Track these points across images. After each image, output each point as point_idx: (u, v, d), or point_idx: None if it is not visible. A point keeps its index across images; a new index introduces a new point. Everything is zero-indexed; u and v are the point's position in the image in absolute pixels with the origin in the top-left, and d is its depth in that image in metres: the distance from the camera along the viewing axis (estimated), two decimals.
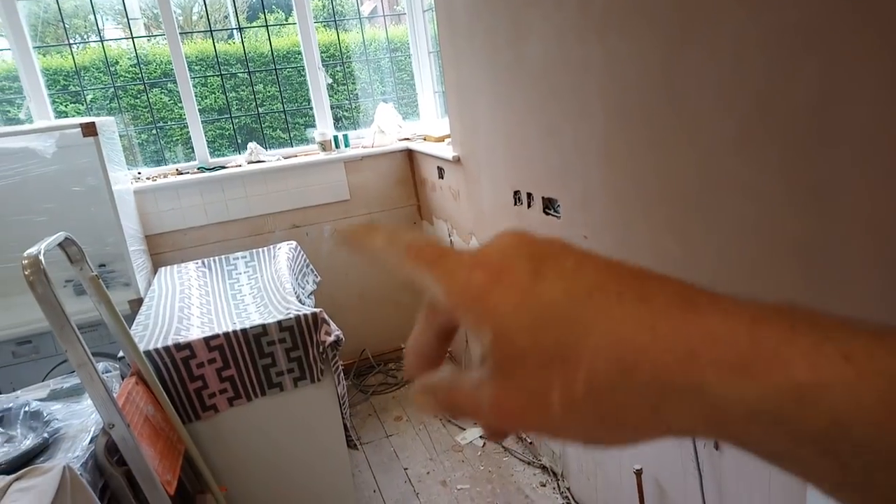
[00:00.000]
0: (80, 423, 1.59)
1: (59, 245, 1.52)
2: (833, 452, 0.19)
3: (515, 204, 2.16)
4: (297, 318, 1.92)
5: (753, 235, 1.14)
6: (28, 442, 1.48)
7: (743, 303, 0.22)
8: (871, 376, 0.19)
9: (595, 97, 1.55)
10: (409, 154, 3.25)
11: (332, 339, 1.91)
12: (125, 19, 3.09)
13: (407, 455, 2.57)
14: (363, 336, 3.33)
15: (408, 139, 3.29)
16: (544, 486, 2.26)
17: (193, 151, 3.16)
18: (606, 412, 0.23)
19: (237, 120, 3.31)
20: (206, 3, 3.26)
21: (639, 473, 1.64)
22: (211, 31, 3.20)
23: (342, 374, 2.03)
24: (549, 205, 1.96)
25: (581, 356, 0.22)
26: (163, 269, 2.58)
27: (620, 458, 1.82)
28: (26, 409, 1.60)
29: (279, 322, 1.91)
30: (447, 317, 0.29)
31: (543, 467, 2.33)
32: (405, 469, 2.48)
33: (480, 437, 2.62)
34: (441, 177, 2.89)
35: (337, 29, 3.41)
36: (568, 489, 2.19)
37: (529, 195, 2.06)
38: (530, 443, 2.46)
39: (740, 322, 0.21)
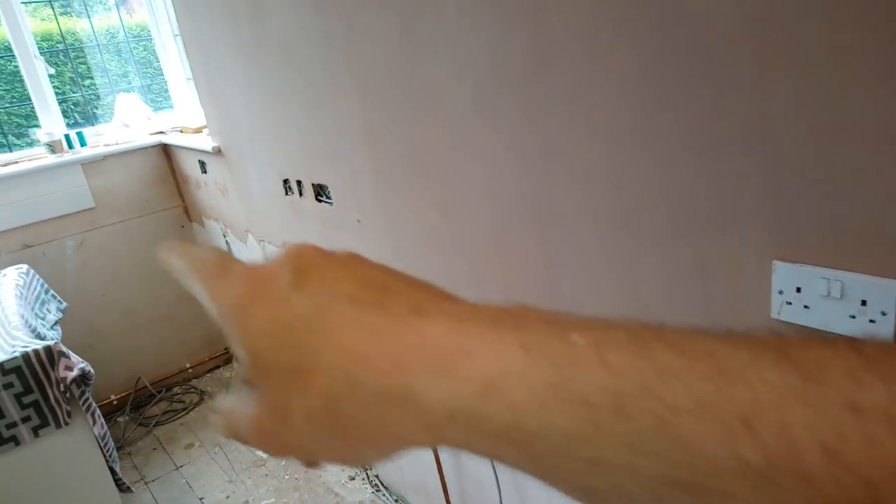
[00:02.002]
0: None
1: None
2: (517, 443, 0.18)
3: (287, 194, 2.03)
4: (25, 355, 1.57)
5: (496, 198, 1.19)
6: None
7: (475, 307, 0.22)
8: (540, 361, 0.18)
9: (345, 73, 1.49)
10: (165, 149, 2.89)
11: (75, 373, 1.60)
12: None
13: (202, 484, 2.31)
14: (136, 363, 2.91)
15: (162, 133, 2.92)
16: (353, 479, 2.20)
17: None
18: (346, 426, 0.22)
19: None
20: None
21: None
22: None
23: (97, 411, 1.72)
24: (320, 191, 1.87)
25: (318, 369, 0.21)
26: None
27: None
28: None
29: (0, 364, 1.55)
30: None
31: None
32: (201, 499, 2.23)
33: None
34: (204, 171, 2.62)
35: (55, 13, 2.87)
36: (377, 477, 2.16)
37: (299, 182, 1.94)
38: None
39: (455, 323, 0.20)
